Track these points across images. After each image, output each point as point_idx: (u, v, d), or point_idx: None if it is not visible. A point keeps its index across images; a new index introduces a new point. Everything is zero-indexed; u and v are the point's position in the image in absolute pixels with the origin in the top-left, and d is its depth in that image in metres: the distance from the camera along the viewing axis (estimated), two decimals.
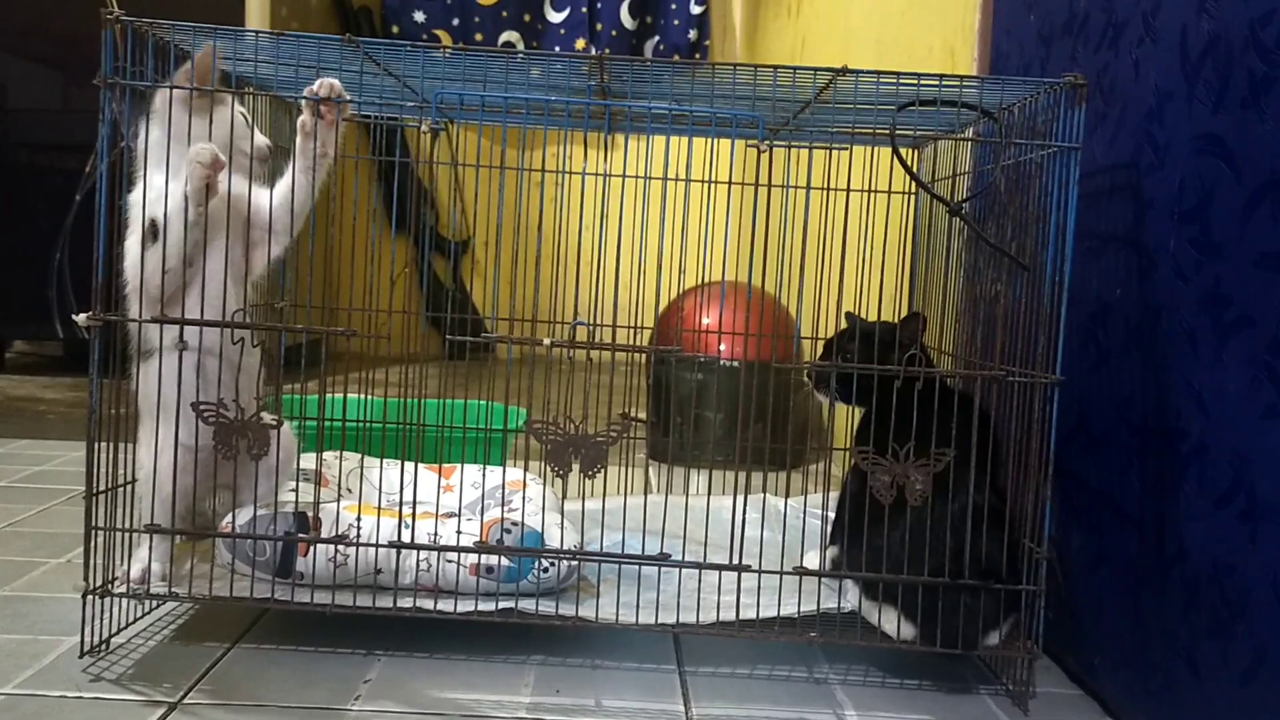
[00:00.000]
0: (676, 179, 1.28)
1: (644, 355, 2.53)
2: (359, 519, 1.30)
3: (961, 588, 1.24)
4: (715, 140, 1.48)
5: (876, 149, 1.40)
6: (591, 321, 1.28)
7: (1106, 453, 1.28)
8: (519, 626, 1.31)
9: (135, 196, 1.27)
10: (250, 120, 1.36)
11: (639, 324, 1.41)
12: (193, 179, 1.24)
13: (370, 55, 1.22)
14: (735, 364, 2.46)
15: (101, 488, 1.24)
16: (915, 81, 1.21)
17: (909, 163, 1.27)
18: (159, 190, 1.24)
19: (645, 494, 1.32)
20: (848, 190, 1.34)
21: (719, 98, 1.35)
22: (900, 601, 1.27)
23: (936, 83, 1.22)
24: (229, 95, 1.30)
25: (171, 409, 1.27)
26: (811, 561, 1.34)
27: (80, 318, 1.21)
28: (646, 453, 2.58)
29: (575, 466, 1.22)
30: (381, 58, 1.24)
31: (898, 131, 1.38)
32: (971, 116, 1.38)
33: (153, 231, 1.25)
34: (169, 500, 1.27)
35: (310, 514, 1.31)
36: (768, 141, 1.24)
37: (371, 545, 1.29)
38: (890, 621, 1.28)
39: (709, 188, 1.41)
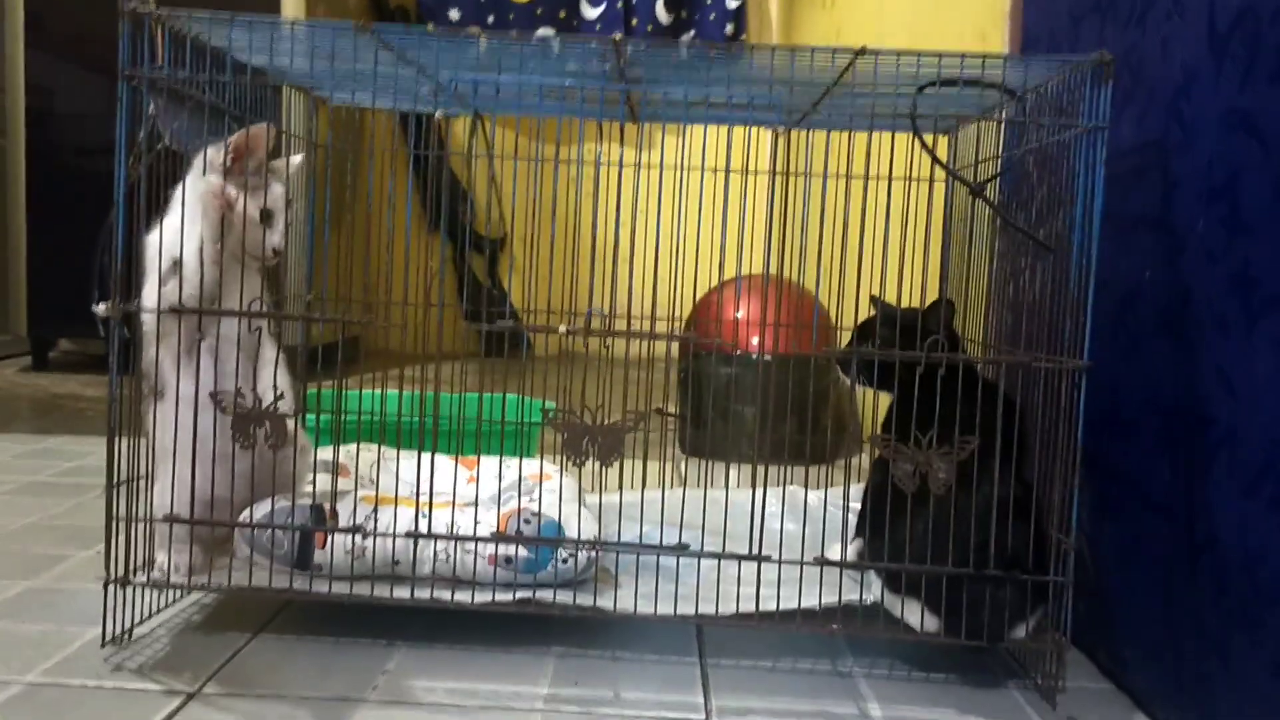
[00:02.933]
0: (707, 169, 1.26)
1: (677, 347, 2.52)
2: (375, 510, 1.29)
3: (986, 579, 1.21)
4: (739, 128, 1.46)
5: (908, 134, 1.37)
6: (626, 314, 1.27)
7: (1136, 439, 1.25)
8: (539, 617, 1.30)
9: (153, 238, 1.27)
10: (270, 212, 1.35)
11: (670, 317, 1.40)
12: (209, 213, 1.25)
13: (386, 43, 1.21)
14: (762, 357, 2.43)
15: (122, 478, 1.25)
16: (936, 61, 1.18)
17: (936, 146, 1.24)
18: (176, 230, 1.25)
19: (663, 487, 1.30)
20: (865, 177, 1.31)
21: (740, 83, 1.34)
22: (924, 594, 1.24)
23: (958, 62, 1.19)
24: (281, 170, 1.32)
25: (187, 458, 1.27)
26: (834, 554, 1.31)
27: (99, 308, 1.22)
28: (677, 448, 2.56)
29: (592, 455, 1.21)
30: (398, 45, 1.23)
31: (922, 115, 1.36)
32: (1002, 98, 1.35)
33: (173, 270, 1.26)
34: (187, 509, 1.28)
35: (327, 506, 1.31)
36: (786, 126, 1.22)
37: (388, 535, 1.28)
38: (914, 614, 1.26)
39: (733, 176, 1.39)
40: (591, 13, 4.46)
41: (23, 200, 3.57)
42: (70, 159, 3.48)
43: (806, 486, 1.71)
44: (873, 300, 1.40)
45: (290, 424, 1.23)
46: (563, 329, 1.19)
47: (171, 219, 1.25)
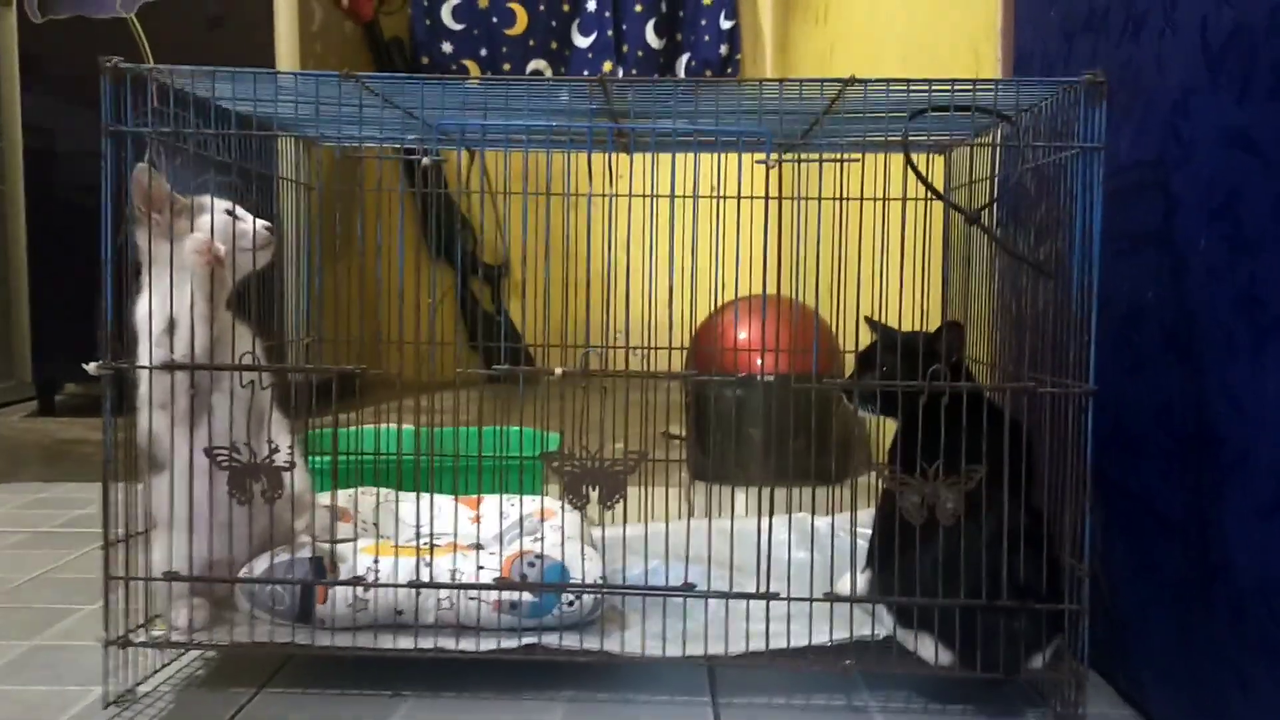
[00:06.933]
0: (709, 195, 1.25)
1: (681, 368, 2.50)
2: (376, 560, 1.28)
3: (999, 610, 1.19)
4: (732, 156, 1.45)
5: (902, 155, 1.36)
6: (626, 344, 1.25)
7: (1148, 462, 1.23)
8: (547, 662, 1.28)
9: (141, 310, 1.26)
10: (236, 213, 1.33)
11: (671, 344, 1.39)
12: (197, 271, 1.24)
13: (370, 88, 1.20)
14: (763, 378, 2.41)
15: (119, 536, 1.24)
16: (927, 88, 1.17)
17: (933, 170, 1.23)
18: (165, 291, 1.24)
19: (666, 520, 1.29)
20: (860, 199, 1.30)
21: (729, 114, 1.32)
22: (936, 627, 1.22)
23: (949, 88, 1.18)
24: (208, 200, 1.30)
25: (185, 524, 1.27)
26: (844, 585, 1.29)
27: (91, 367, 1.20)
28: (684, 473, 2.54)
29: (593, 497, 1.20)
30: (382, 90, 1.22)
31: (915, 138, 1.35)
32: (995, 122, 1.34)
33: (169, 329, 1.25)
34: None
35: (327, 559, 1.29)
36: (776, 156, 1.21)
37: (391, 586, 1.27)
38: (927, 648, 1.24)
39: (733, 204, 1.38)
40: (583, 41, 4.45)
41: (23, 242, 3.57)
42: (71, 199, 3.48)
43: (814, 512, 1.69)
44: (869, 323, 1.39)
45: (287, 477, 1.22)
46: (559, 371, 1.17)
47: (161, 283, 1.24)
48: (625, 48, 4.44)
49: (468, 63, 4.46)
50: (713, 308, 2.24)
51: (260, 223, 1.31)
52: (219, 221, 1.28)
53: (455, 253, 3.84)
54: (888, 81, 1.16)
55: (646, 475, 1.28)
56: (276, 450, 1.21)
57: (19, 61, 3.53)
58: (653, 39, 4.44)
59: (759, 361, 2.42)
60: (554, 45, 4.46)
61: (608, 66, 4.34)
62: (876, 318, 1.38)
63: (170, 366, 1.23)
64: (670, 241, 1.25)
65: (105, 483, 1.22)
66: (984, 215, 1.22)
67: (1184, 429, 1.15)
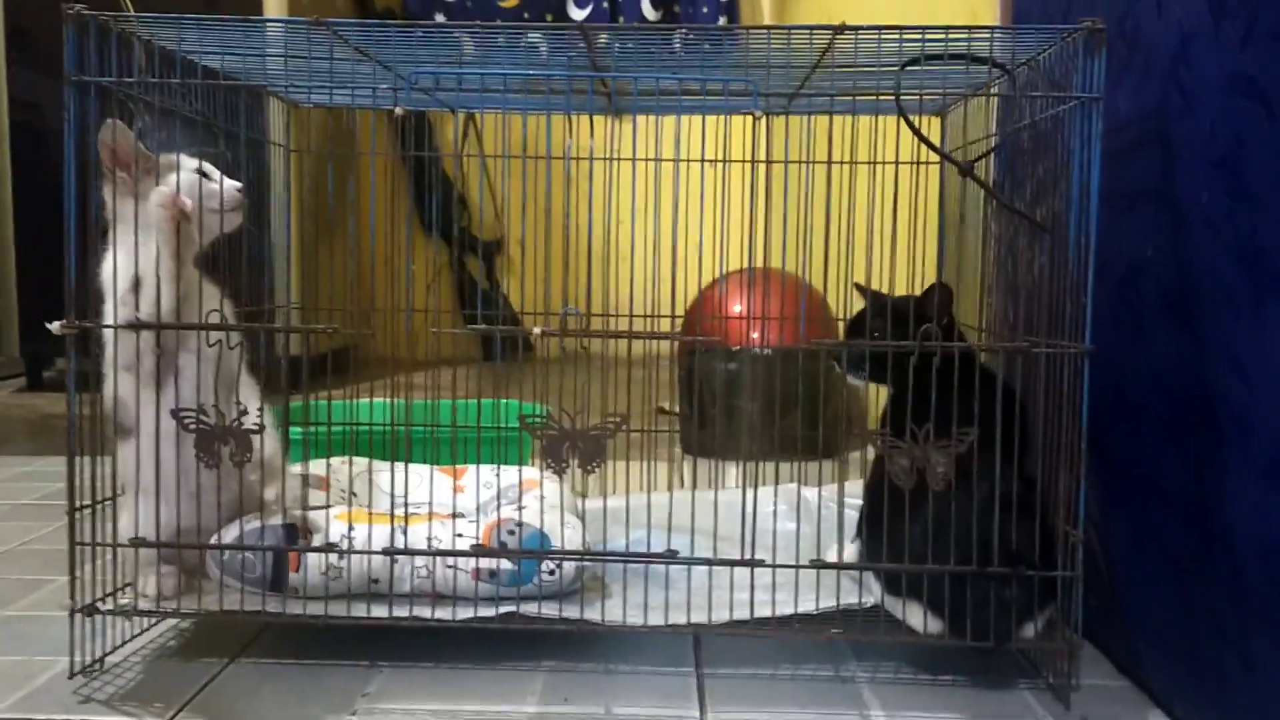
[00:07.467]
0: (695, 160, 1.21)
1: (672, 345, 2.47)
2: (351, 528, 1.24)
3: (990, 577, 1.15)
4: (723, 117, 1.41)
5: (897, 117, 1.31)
6: (611, 312, 1.22)
7: (1143, 426, 1.19)
8: (527, 632, 1.24)
9: (107, 269, 1.22)
10: (205, 172, 1.28)
11: (656, 312, 1.35)
12: (162, 226, 1.20)
13: (343, 37, 1.16)
14: (748, 350, 2.38)
15: (85, 502, 1.20)
16: (920, 36, 1.13)
17: (929, 130, 1.19)
18: (130, 250, 1.20)
19: (648, 490, 1.25)
20: (854, 161, 1.26)
21: (716, 67, 1.28)
22: (925, 595, 1.18)
23: (943, 36, 1.13)
24: (177, 157, 1.25)
25: (152, 492, 1.22)
26: (832, 555, 1.26)
27: (54, 326, 1.17)
28: (679, 447, 2.51)
29: (573, 463, 1.16)
30: (354, 39, 1.18)
31: (908, 93, 1.30)
32: (996, 76, 1.29)
33: (134, 288, 1.21)
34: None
35: (300, 524, 1.25)
36: (763, 111, 1.16)
37: (364, 553, 1.23)
38: (916, 616, 1.20)
39: (717, 167, 1.34)
40: (578, 14, 4.41)
41: (11, 218, 3.53)
42: (60, 176, 3.44)
43: (799, 482, 1.65)
44: (859, 289, 1.34)
45: (255, 440, 1.18)
46: (537, 330, 1.13)
47: (127, 240, 1.19)
48: (621, 20, 4.39)
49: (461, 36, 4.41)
50: (701, 272, 2.20)
51: (230, 183, 1.27)
52: (187, 180, 1.24)
53: (434, 210, 3.75)
54: (879, 29, 1.11)
55: (635, 448, 1.24)
56: (245, 413, 1.17)
57: (5, 34, 3.48)
58: (649, 11, 4.39)
59: (753, 334, 2.38)
60: (549, 18, 4.41)
61: (604, 39, 4.28)
62: (870, 283, 1.34)
63: (135, 326, 1.19)
64: (656, 206, 1.21)
65: (70, 445, 1.18)
66: (978, 167, 1.18)
67: (1182, 392, 1.11)
